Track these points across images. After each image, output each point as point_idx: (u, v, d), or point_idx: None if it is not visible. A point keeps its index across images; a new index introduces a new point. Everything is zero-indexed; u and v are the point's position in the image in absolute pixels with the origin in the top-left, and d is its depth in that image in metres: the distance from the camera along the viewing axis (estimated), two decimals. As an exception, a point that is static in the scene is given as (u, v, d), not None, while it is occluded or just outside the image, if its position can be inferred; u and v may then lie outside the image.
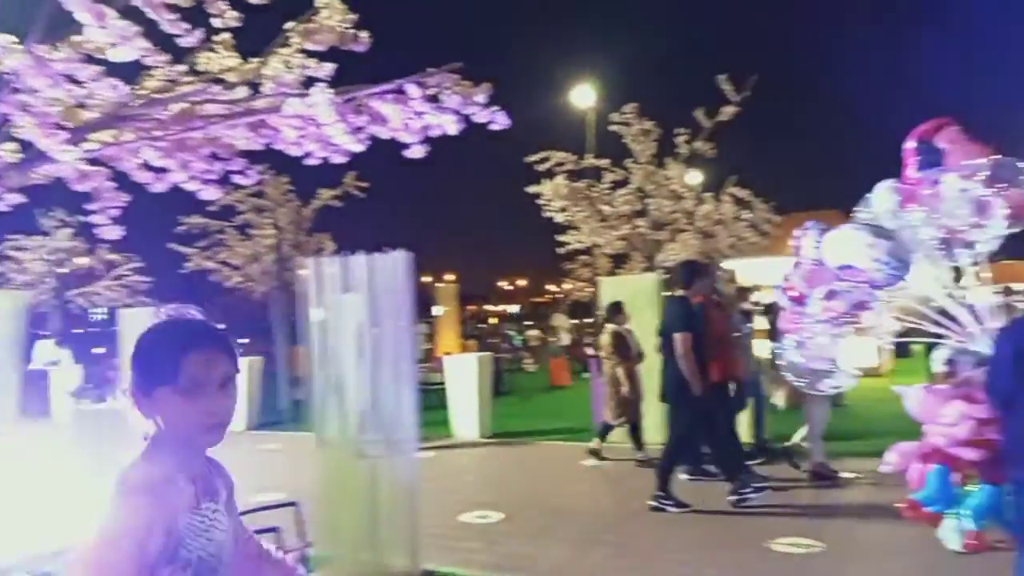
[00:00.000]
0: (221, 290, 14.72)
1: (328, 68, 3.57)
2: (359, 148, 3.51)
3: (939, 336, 4.22)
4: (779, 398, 8.91)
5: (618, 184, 11.35)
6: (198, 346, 1.47)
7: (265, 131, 3.48)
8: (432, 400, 11.42)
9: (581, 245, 12.23)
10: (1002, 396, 3.29)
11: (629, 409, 7.87)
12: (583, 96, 17.47)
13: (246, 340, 21.78)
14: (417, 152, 3.58)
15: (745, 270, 16.37)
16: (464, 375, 10.21)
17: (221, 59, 3.59)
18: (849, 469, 6.86)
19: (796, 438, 7.08)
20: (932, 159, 3.65)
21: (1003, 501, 3.75)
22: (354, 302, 4.52)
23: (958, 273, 4.06)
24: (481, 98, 3.42)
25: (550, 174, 11.28)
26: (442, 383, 10.82)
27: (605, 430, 8.10)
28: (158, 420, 1.46)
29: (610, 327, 8.03)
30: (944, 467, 4.06)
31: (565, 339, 20.75)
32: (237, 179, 3.86)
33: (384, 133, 3.46)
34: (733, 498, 5.95)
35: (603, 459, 7.97)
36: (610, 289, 9.71)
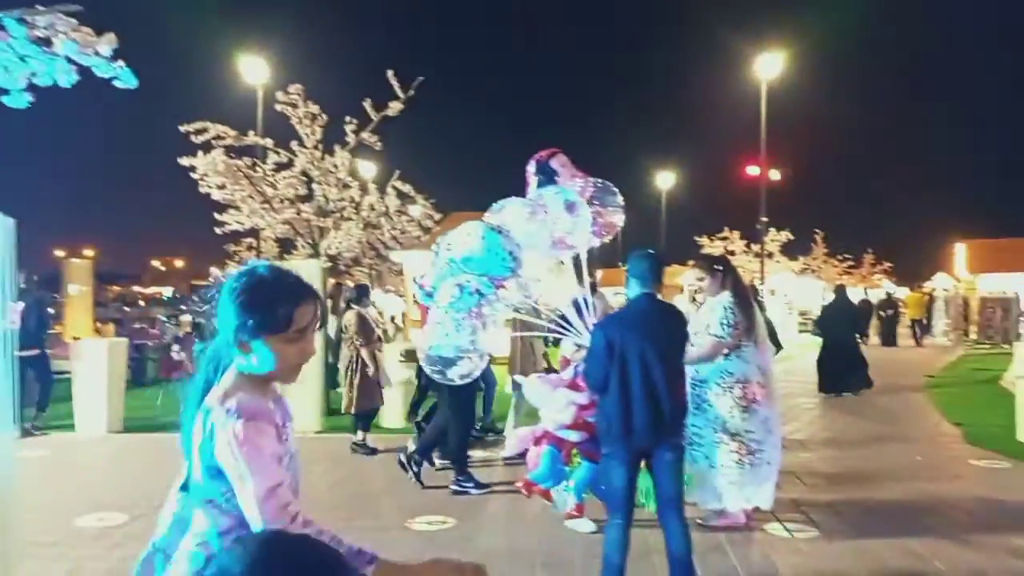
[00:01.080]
0: None
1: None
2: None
3: (560, 330, 4.77)
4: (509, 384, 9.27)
5: (282, 166, 10.95)
6: (305, 298, 1.72)
7: None
8: (58, 391, 10.01)
9: (242, 227, 11.56)
10: (597, 382, 3.82)
11: (374, 392, 7.69)
12: (253, 70, 16.60)
13: None
14: (18, 101, 3.05)
15: (408, 262, 16.98)
16: (93, 363, 9.06)
17: None
18: (487, 450, 7.46)
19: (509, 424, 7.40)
20: (548, 179, 4.24)
21: (597, 475, 4.35)
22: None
23: (571, 274, 4.67)
24: (105, 50, 3.02)
25: (209, 147, 10.48)
26: (68, 372, 9.51)
27: (362, 420, 7.74)
28: (253, 359, 1.68)
29: (356, 309, 7.80)
30: (553, 448, 4.58)
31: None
32: None
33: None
34: (455, 487, 6.05)
35: (373, 451, 7.60)
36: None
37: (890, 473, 6.69)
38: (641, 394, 3.71)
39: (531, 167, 4.38)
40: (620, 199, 4.32)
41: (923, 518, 5.39)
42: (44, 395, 9.34)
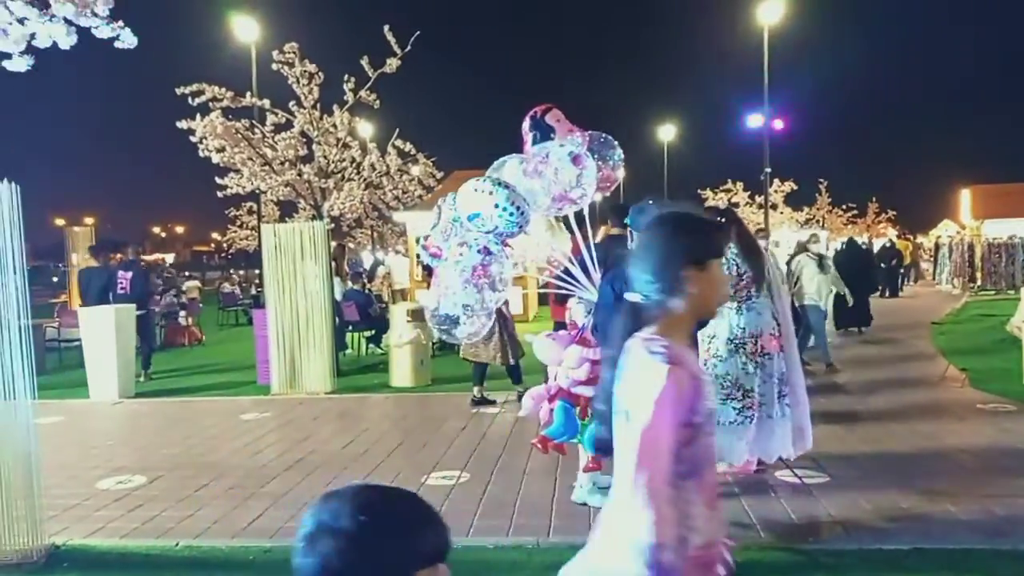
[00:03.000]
0: None
1: None
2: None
3: (568, 287, 4.72)
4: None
5: (281, 127, 10.81)
6: (714, 226, 1.81)
7: None
8: (70, 359, 10.11)
9: (243, 190, 11.46)
10: (605, 333, 3.83)
11: (513, 346, 7.78)
12: (246, 29, 16.35)
13: None
14: (18, 64, 3.01)
15: (411, 223, 16.91)
16: (101, 329, 9.11)
17: None
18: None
19: None
20: (544, 135, 4.17)
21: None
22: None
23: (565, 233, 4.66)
24: (102, 10, 2.97)
25: (206, 109, 10.35)
26: (79, 339, 9.59)
27: (516, 371, 7.88)
28: (680, 293, 1.66)
29: None
30: (567, 403, 4.59)
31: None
32: None
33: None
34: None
35: (491, 402, 7.79)
36: (273, 237, 9.34)
37: (898, 418, 6.74)
38: None
39: (526, 124, 4.32)
40: (619, 152, 4.25)
41: (931, 462, 5.44)
42: (147, 354, 10.22)
